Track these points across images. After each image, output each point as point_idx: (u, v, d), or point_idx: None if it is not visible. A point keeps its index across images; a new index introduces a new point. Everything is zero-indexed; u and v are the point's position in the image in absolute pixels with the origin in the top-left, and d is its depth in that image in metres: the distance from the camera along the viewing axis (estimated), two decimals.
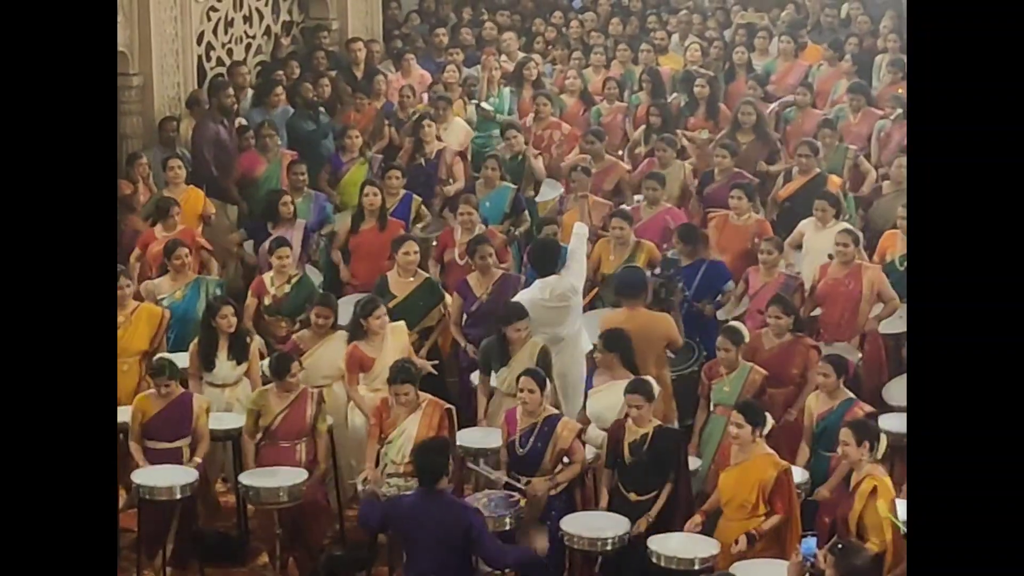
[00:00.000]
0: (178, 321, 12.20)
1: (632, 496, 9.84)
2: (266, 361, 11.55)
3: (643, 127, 15.95)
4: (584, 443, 10.23)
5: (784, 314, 11.25)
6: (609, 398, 10.65)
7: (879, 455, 9.21)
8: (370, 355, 11.36)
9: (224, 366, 11.43)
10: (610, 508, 9.92)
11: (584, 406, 10.92)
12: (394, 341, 11.47)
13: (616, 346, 10.82)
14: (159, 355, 11.28)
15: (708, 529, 9.58)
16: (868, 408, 10.39)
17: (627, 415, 9.96)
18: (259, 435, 10.65)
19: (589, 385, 10.96)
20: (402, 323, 11.74)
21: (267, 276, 12.64)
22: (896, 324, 12.12)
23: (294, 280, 12.56)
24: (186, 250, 12.58)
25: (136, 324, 11.78)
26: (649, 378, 10.22)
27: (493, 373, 11.18)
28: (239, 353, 11.45)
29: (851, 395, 10.44)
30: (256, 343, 11.67)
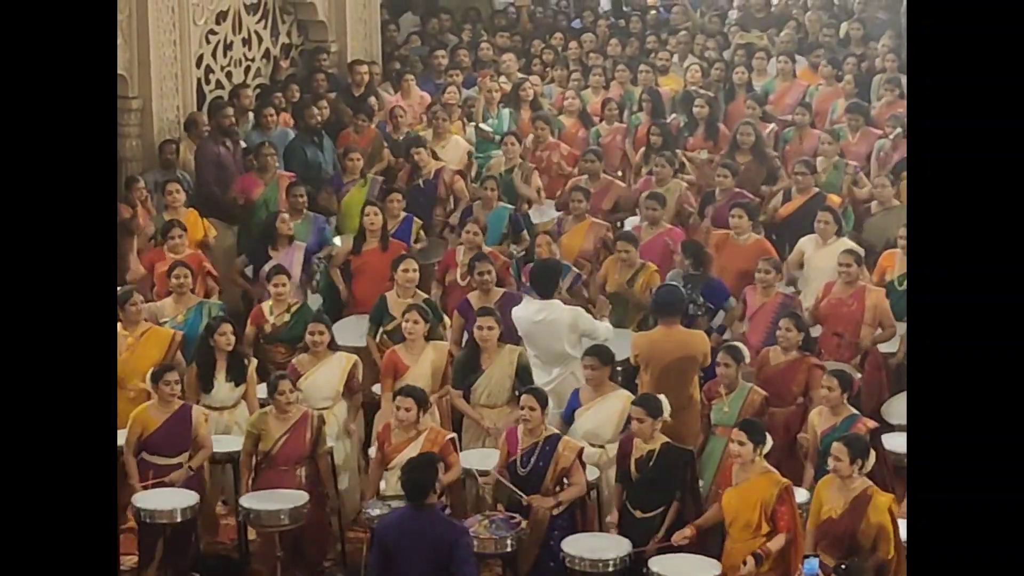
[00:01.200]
0: (190, 339, 12.15)
1: (638, 513, 9.84)
2: (264, 384, 11.56)
3: (643, 148, 15.96)
4: (583, 464, 10.21)
5: (795, 328, 11.25)
6: (601, 414, 10.67)
7: (867, 470, 9.24)
8: (406, 362, 11.37)
9: (222, 388, 11.43)
10: (619, 524, 9.92)
11: (574, 424, 10.90)
12: (433, 355, 11.47)
13: (607, 361, 10.82)
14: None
15: (713, 551, 9.56)
16: (872, 424, 10.37)
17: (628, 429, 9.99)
18: (258, 458, 10.63)
19: (576, 404, 10.93)
20: (445, 343, 11.75)
21: (266, 305, 12.59)
22: (895, 344, 12.13)
23: (294, 309, 12.52)
24: (187, 271, 12.57)
25: (144, 346, 11.77)
26: (662, 397, 10.21)
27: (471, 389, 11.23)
28: (237, 375, 11.44)
29: (855, 411, 10.42)
30: (253, 365, 11.65)
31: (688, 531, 9.61)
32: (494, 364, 11.21)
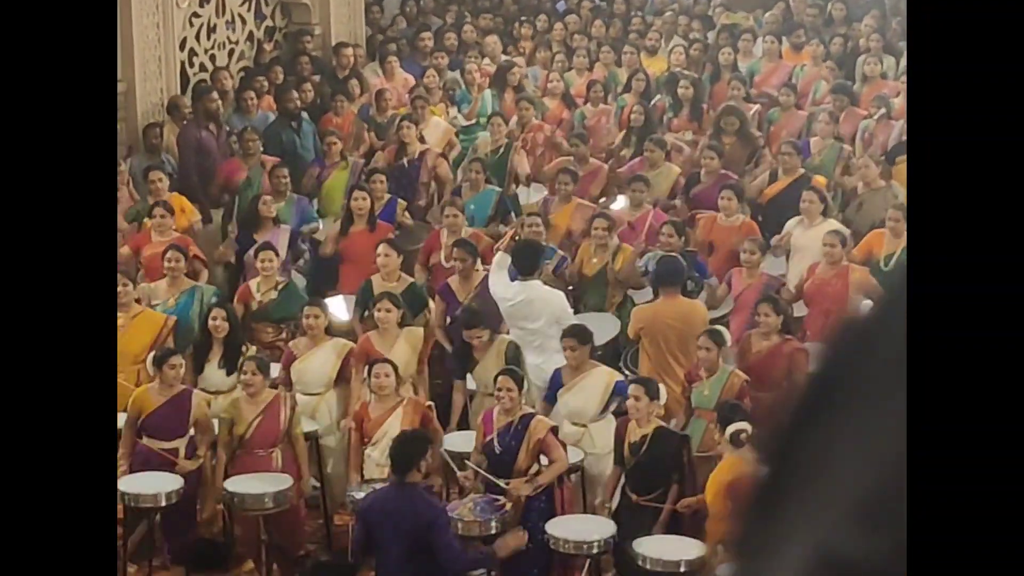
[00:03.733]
0: (183, 323, 12.16)
1: (634, 497, 9.85)
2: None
3: (624, 130, 15.96)
4: (563, 442, 10.20)
5: (774, 312, 11.24)
6: (583, 393, 10.67)
7: None
8: (378, 348, 11.34)
9: (215, 373, 11.40)
10: (618, 509, 9.95)
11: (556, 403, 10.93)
12: (406, 343, 11.45)
13: (586, 341, 10.84)
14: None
15: (695, 531, 9.58)
16: None
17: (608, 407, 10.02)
18: (233, 444, 10.61)
19: (558, 383, 10.94)
20: (419, 329, 11.73)
21: (253, 282, 12.61)
22: None
23: (280, 286, 12.53)
24: (179, 254, 12.55)
25: (135, 329, 11.74)
26: (661, 385, 10.25)
27: (469, 375, 11.23)
28: (231, 361, 11.39)
29: None
30: (251, 352, 11.60)
31: (691, 500, 9.65)
32: (486, 357, 11.20)
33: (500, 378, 10.22)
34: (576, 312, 12.48)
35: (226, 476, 10.55)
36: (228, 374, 11.38)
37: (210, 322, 11.45)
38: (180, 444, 10.65)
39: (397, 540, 8.90)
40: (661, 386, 10.20)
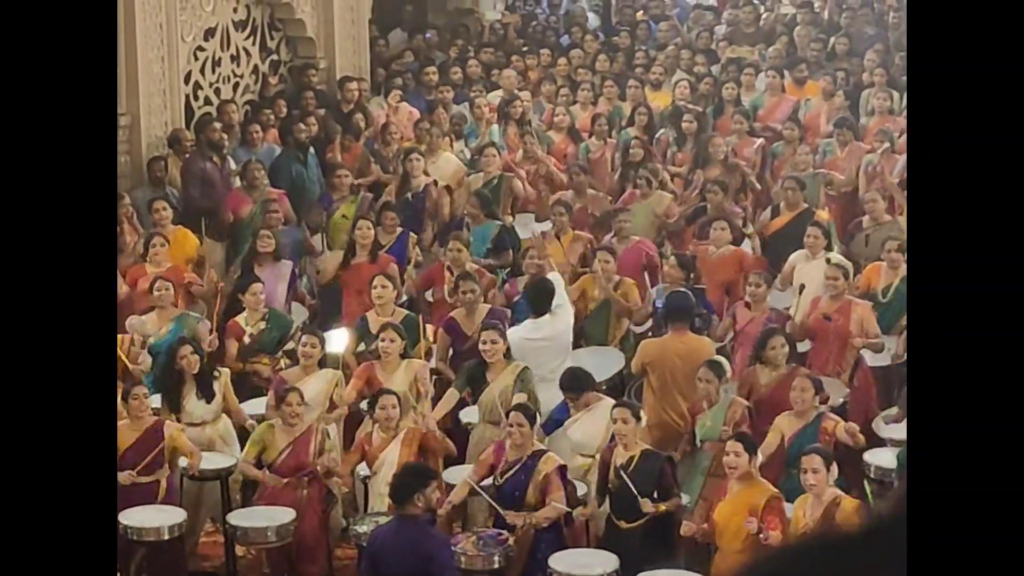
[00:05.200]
0: (161, 357, 12.08)
1: (622, 524, 9.82)
2: (256, 401, 11.58)
3: (622, 165, 16.02)
4: (572, 482, 10.19)
5: (788, 345, 11.26)
6: (589, 424, 10.66)
7: (835, 476, 9.33)
8: (380, 378, 11.32)
9: (196, 405, 11.36)
10: (604, 537, 9.91)
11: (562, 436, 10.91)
12: (406, 375, 11.44)
13: (584, 385, 10.81)
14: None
15: (702, 567, 9.55)
16: (836, 418, 10.44)
17: (614, 439, 9.99)
18: (260, 469, 10.60)
19: (565, 415, 10.92)
20: (419, 361, 11.71)
21: (241, 317, 12.58)
22: (883, 358, 12.16)
23: (266, 315, 12.53)
24: (167, 284, 12.53)
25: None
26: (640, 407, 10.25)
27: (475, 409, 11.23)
28: (207, 391, 11.37)
29: (821, 409, 10.48)
30: (224, 378, 11.56)
31: (693, 525, 9.62)
32: (497, 379, 11.18)
33: (512, 413, 10.18)
34: (578, 346, 12.49)
35: (231, 508, 10.54)
36: (208, 401, 11.34)
37: (179, 361, 11.38)
38: (160, 476, 10.60)
39: (400, 573, 8.89)
40: (642, 411, 10.23)
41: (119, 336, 11.95)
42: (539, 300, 12.00)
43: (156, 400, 11.34)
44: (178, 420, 11.22)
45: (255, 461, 10.62)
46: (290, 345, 12.43)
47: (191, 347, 11.48)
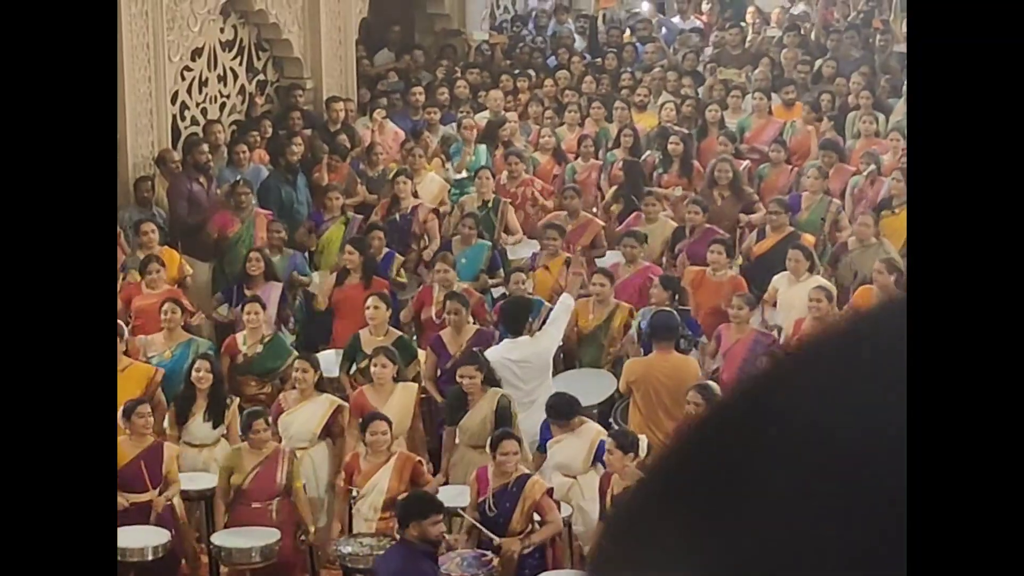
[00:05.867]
0: (166, 380, 12.12)
1: None
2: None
3: (615, 186, 16.04)
4: (557, 502, 10.21)
5: None
6: (571, 446, 10.67)
7: None
8: (373, 403, 11.31)
9: (201, 426, 11.39)
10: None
11: (545, 456, 10.92)
12: (401, 397, 11.44)
13: (571, 412, 10.82)
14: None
15: None
16: None
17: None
18: (231, 494, 10.61)
19: (548, 436, 10.94)
20: (413, 385, 11.72)
21: (240, 335, 12.62)
22: None
23: (267, 340, 12.54)
24: (176, 307, 12.59)
25: (124, 382, 11.67)
26: (642, 437, 10.25)
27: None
28: (216, 414, 11.38)
29: None
30: (234, 407, 11.59)
31: None
32: (475, 407, 11.18)
33: (503, 443, 10.15)
34: (571, 368, 12.51)
35: (224, 527, 10.54)
36: (214, 427, 11.37)
37: (194, 374, 11.44)
38: (154, 496, 10.60)
39: None
40: (643, 439, 10.19)
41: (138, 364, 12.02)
42: (514, 319, 12.01)
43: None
44: (179, 438, 11.26)
45: (226, 487, 10.61)
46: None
47: (209, 364, 11.51)
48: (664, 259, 14.51)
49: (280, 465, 10.60)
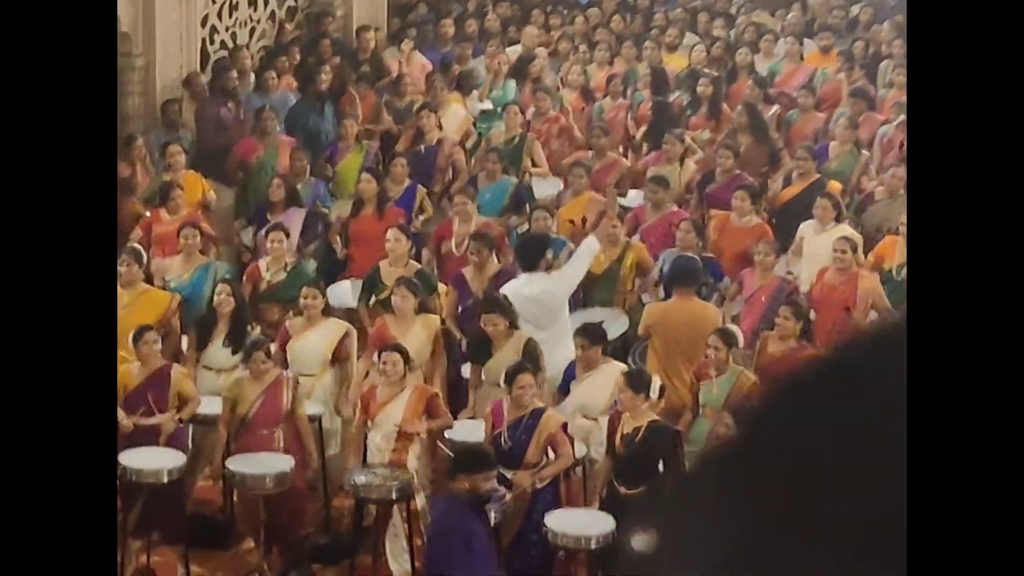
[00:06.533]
0: (193, 301, 12.17)
1: (623, 490, 9.84)
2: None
3: (645, 126, 15.96)
4: (571, 437, 10.20)
5: (794, 317, 11.20)
6: (593, 387, 10.66)
7: None
8: (393, 333, 11.29)
9: (220, 351, 11.40)
10: (604, 501, 9.94)
11: (568, 398, 10.92)
12: (421, 329, 11.43)
13: (598, 340, 10.83)
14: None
15: None
16: None
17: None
18: (235, 423, 10.62)
19: (571, 375, 10.94)
20: (434, 317, 11.70)
21: (263, 262, 12.64)
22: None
23: (290, 267, 12.56)
24: (195, 231, 12.59)
25: (141, 307, 11.70)
26: (655, 377, 10.22)
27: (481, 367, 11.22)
28: (236, 340, 11.37)
29: None
30: (256, 333, 11.57)
31: None
32: (501, 351, 11.13)
33: (519, 376, 10.14)
34: (585, 307, 12.47)
35: (227, 454, 10.57)
36: (233, 353, 11.36)
37: (215, 297, 11.47)
38: (162, 419, 10.60)
39: (441, 548, 9.05)
40: (656, 379, 10.16)
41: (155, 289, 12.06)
42: (528, 254, 11.97)
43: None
44: (198, 361, 11.28)
45: (229, 416, 10.63)
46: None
47: (230, 288, 11.54)
48: (692, 201, 14.44)
49: (284, 392, 10.59)
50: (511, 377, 10.13)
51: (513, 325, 11.11)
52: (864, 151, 15.22)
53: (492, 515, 9.60)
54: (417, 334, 11.34)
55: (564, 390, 10.94)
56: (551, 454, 10.02)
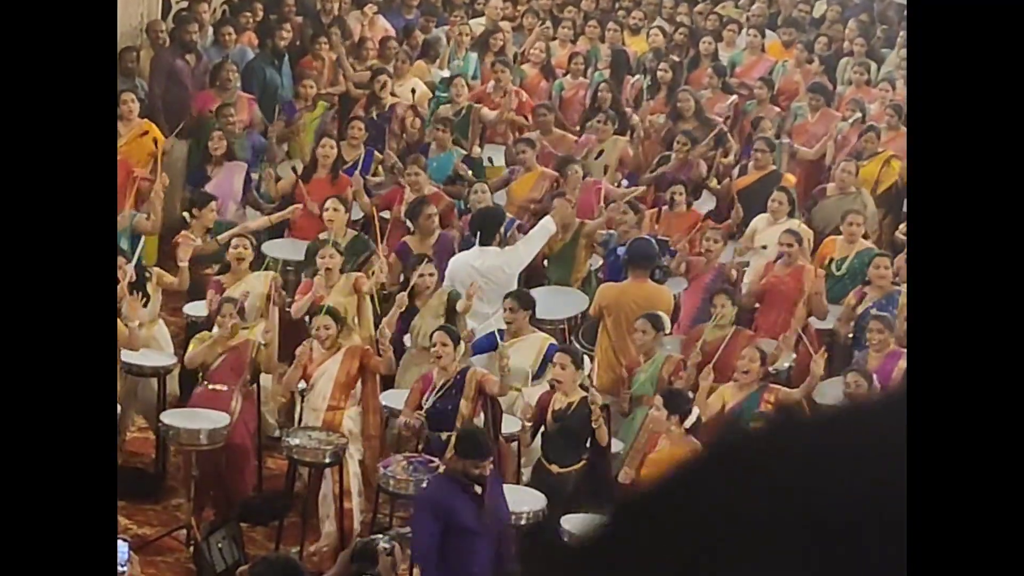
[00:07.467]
0: None
1: (554, 468, 9.86)
2: (200, 303, 11.59)
3: (585, 108, 15.99)
4: (499, 403, 10.19)
5: (730, 303, 11.28)
6: (519, 354, 10.65)
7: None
8: (320, 292, 11.26)
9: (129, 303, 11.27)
10: (532, 479, 9.95)
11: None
12: (346, 285, 11.39)
13: (527, 306, 10.85)
14: None
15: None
16: (780, 389, 10.46)
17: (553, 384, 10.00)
18: (195, 376, 10.60)
19: (486, 344, 10.95)
20: (360, 275, 11.61)
21: (182, 236, 12.37)
22: (831, 322, 12.20)
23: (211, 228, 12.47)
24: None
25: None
26: (586, 356, 10.25)
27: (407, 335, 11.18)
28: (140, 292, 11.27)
29: (762, 382, 10.50)
30: (155, 278, 11.46)
31: (632, 472, 9.68)
32: (426, 307, 11.20)
33: (436, 334, 10.20)
34: (541, 285, 12.50)
35: (180, 406, 10.54)
36: (144, 306, 11.15)
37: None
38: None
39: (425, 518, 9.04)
40: (586, 359, 10.22)
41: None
42: (485, 228, 11.97)
43: None
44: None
45: (191, 368, 10.60)
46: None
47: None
48: (641, 178, 14.50)
49: (248, 352, 10.57)
50: (430, 337, 10.16)
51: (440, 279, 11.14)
52: (785, 140, 15.32)
53: (425, 483, 9.56)
54: (341, 290, 11.29)
55: (479, 350, 10.98)
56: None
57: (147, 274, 11.49)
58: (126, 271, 11.01)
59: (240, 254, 11.48)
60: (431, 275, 11.24)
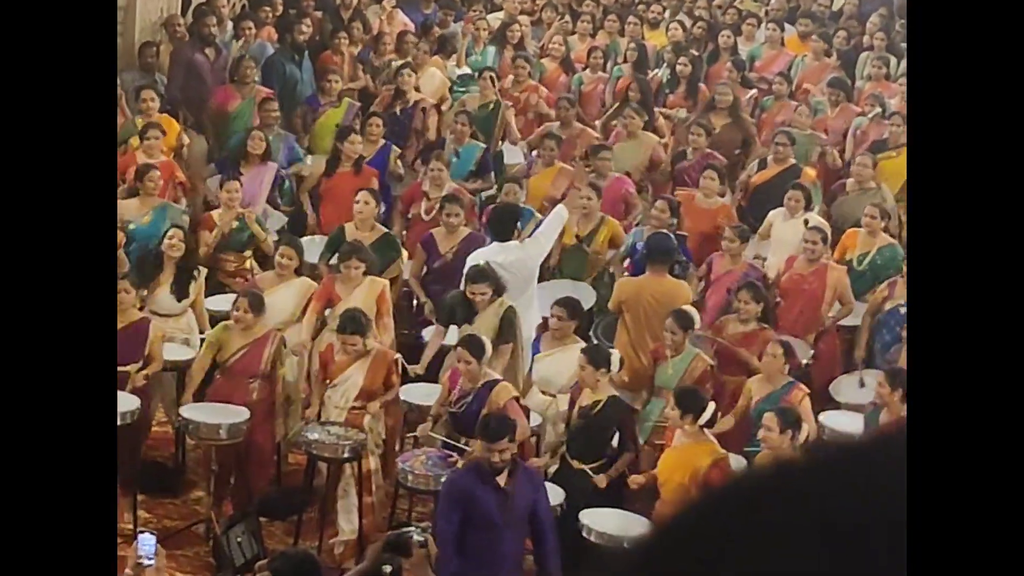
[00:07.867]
0: (140, 246, 12.09)
1: (575, 464, 9.86)
2: (219, 297, 11.60)
3: (618, 102, 15.92)
4: (527, 409, 10.17)
5: (754, 300, 11.24)
6: (559, 363, 10.64)
7: (800, 441, 9.28)
8: (339, 294, 11.27)
9: (166, 297, 11.34)
10: (554, 473, 9.94)
11: (530, 371, 10.92)
12: (366, 289, 11.36)
13: (576, 315, 10.85)
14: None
15: (644, 510, 9.59)
16: (806, 389, 10.43)
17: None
18: (216, 370, 10.59)
19: (536, 350, 10.94)
20: (383, 281, 11.64)
21: (216, 213, 12.59)
22: (851, 319, 12.16)
23: (242, 217, 12.52)
24: (157, 173, 12.54)
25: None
26: (614, 352, 10.22)
27: (454, 327, 11.12)
28: (180, 288, 11.34)
29: (791, 379, 10.48)
30: (200, 279, 11.54)
31: (641, 478, 9.67)
32: (481, 315, 11.03)
33: (459, 349, 10.13)
34: (553, 279, 12.48)
35: (193, 399, 10.54)
36: (179, 299, 11.32)
37: (165, 241, 11.40)
38: (131, 368, 10.56)
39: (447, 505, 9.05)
40: (615, 354, 10.18)
41: None
42: (501, 225, 11.92)
43: None
44: (142, 307, 11.22)
45: (207, 364, 10.62)
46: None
47: (182, 234, 11.50)
48: (658, 178, 14.46)
49: (268, 347, 10.58)
50: (456, 348, 10.14)
51: (498, 292, 11.01)
52: (821, 134, 15.24)
53: (443, 480, 9.55)
54: (362, 293, 11.26)
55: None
56: None
57: (195, 273, 11.52)
58: (177, 247, 11.26)
59: (286, 263, 11.45)
60: (483, 295, 11.01)
